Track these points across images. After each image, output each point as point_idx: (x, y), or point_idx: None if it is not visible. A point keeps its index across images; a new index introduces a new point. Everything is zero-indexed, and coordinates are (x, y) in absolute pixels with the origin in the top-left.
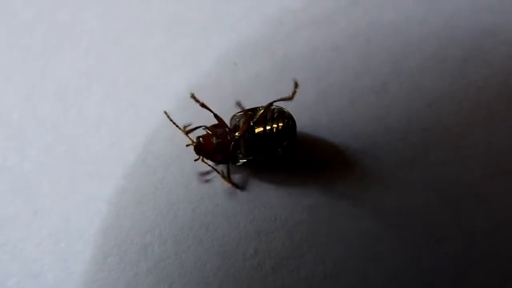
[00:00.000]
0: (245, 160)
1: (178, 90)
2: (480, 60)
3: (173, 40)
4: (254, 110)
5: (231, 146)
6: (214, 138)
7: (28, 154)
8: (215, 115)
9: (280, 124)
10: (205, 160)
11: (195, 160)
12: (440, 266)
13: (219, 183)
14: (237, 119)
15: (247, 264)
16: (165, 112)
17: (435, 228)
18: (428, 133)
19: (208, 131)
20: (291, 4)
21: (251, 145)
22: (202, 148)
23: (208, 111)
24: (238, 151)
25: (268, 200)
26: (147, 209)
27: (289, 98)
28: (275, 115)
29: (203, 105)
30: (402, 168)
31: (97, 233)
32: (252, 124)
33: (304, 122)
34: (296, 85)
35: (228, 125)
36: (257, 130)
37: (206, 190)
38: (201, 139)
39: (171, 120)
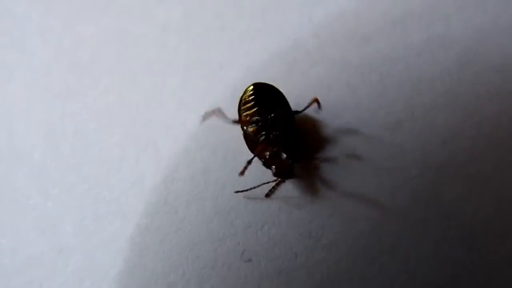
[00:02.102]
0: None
1: (196, 129)
2: (492, 95)
3: (190, 80)
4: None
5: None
6: (270, 148)
7: (51, 193)
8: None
9: (250, 93)
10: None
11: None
12: None
13: (239, 221)
14: (250, 136)
15: None
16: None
17: (451, 265)
18: (443, 169)
19: (261, 152)
20: (305, 44)
21: (273, 124)
22: (282, 164)
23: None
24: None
25: (288, 238)
26: (169, 248)
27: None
28: (243, 99)
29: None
30: (419, 205)
31: (121, 272)
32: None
33: (319, 157)
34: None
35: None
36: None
37: (227, 229)
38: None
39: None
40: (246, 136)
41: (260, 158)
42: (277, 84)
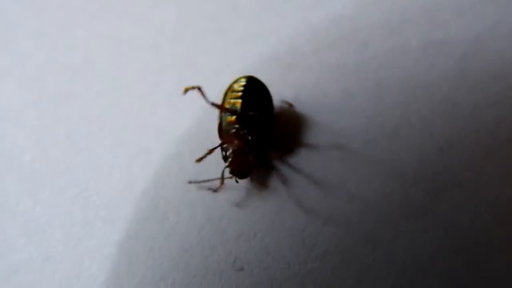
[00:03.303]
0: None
1: (188, 135)
2: (490, 103)
3: (184, 84)
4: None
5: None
6: (236, 143)
7: (40, 197)
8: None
9: (242, 85)
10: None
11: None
12: None
13: (231, 229)
14: (224, 125)
15: None
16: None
17: (448, 276)
18: (440, 177)
19: (227, 143)
20: (302, 48)
21: (252, 122)
22: (241, 163)
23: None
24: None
25: (281, 247)
26: (159, 255)
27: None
28: (233, 87)
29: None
30: (414, 214)
31: (109, 279)
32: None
33: (315, 164)
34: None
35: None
36: (239, 108)
37: (219, 237)
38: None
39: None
40: (221, 124)
41: (222, 150)
42: (272, 88)
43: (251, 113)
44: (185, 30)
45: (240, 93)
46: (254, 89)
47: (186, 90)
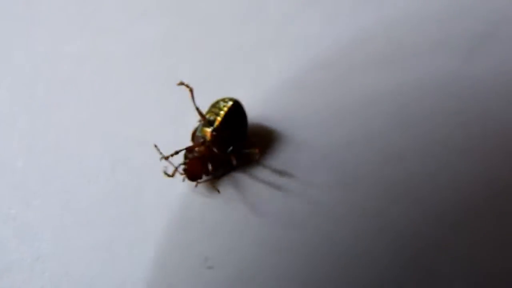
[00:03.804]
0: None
1: (167, 144)
2: (441, 113)
3: (165, 97)
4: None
5: (212, 150)
6: (201, 150)
7: (32, 203)
8: (197, 109)
9: (227, 106)
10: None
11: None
12: None
13: (203, 228)
14: (198, 131)
15: None
16: (155, 146)
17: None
18: (394, 183)
19: (188, 152)
20: (266, 61)
21: (222, 139)
22: (197, 168)
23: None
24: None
25: (247, 246)
26: (138, 255)
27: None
28: (219, 104)
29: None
30: (369, 216)
31: (95, 278)
32: (209, 124)
33: (279, 171)
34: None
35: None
36: (216, 124)
37: (192, 236)
38: (187, 160)
39: (161, 153)
40: (195, 130)
41: (187, 151)
42: (246, 101)
43: (225, 131)
44: (168, 46)
45: (222, 112)
46: (236, 113)
47: (181, 84)
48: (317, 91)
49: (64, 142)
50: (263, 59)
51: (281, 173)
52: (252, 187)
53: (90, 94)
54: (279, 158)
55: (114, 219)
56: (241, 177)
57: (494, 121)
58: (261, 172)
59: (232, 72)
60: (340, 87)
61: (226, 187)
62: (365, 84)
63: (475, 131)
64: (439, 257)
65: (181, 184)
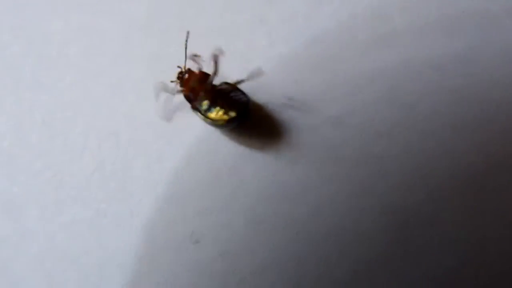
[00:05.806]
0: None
1: (153, 120)
2: (428, 92)
3: (151, 74)
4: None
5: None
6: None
7: (17, 179)
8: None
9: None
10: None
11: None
12: None
13: (190, 206)
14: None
15: None
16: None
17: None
18: (380, 160)
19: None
20: (259, 41)
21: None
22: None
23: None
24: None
25: (236, 222)
26: (124, 231)
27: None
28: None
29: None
30: (357, 195)
31: (80, 253)
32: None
33: (267, 150)
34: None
35: None
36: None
37: (178, 213)
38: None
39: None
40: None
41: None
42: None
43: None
44: (154, 23)
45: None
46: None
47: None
48: (309, 67)
49: (49, 121)
50: (254, 35)
51: (270, 148)
52: (239, 163)
53: (75, 72)
54: (268, 133)
55: (101, 195)
56: (229, 152)
57: (487, 101)
58: (249, 147)
59: (223, 49)
60: (334, 64)
61: (214, 163)
62: (358, 62)
63: (467, 109)
64: (427, 231)
65: (169, 162)
